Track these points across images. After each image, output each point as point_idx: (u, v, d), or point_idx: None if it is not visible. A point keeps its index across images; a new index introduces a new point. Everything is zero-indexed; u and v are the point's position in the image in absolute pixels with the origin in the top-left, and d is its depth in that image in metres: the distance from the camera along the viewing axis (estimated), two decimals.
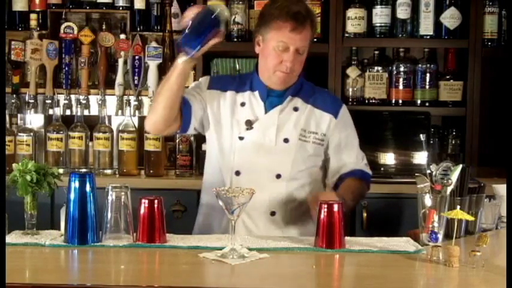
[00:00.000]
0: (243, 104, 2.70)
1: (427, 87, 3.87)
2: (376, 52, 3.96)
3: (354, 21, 3.82)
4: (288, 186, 2.66)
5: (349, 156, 2.76)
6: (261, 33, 2.66)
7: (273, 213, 2.66)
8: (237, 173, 2.65)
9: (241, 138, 2.67)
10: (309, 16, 2.62)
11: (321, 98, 2.76)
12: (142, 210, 2.27)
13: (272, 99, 2.70)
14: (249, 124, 2.66)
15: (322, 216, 2.25)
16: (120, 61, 3.90)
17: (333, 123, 2.72)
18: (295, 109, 2.71)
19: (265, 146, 2.65)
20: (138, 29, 3.97)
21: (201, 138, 3.79)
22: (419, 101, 3.88)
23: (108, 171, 3.77)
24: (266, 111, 2.69)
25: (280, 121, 2.67)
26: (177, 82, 2.53)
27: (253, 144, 2.65)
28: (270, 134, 2.65)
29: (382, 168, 3.78)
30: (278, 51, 2.60)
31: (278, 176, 2.65)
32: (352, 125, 2.80)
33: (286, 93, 2.70)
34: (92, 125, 3.82)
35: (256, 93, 2.70)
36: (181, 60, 2.49)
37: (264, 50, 2.66)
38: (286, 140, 2.67)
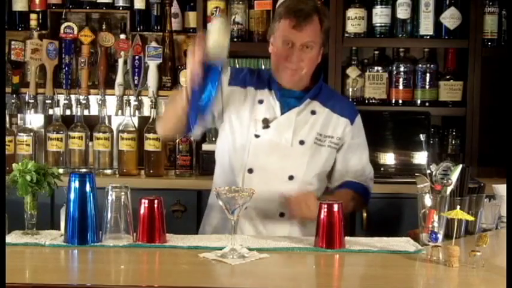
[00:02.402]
0: (261, 102, 2.70)
1: (427, 87, 3.87)
2: (376, 52, 3.96)
3: (354, 21, 3.82)
4: (299, 189, 2.64)
5: (356, 162, 2.76)
6: (272, 32, 2.70)
7: (282, 215, 2.65)
8: (250, 171, 2.64)
9: (257, 136, 2.66)
10: (314, 13, 2.62)
11: (339, 103, 2.78)
12: (142, 210, 2.26)
13: (290, 100, 2.69)
14: (266, 122, 2.65)
15: (322, 216, 2.25)
16: (120, 61, 3.90)
17: (348, 129, 2.73)
18: (313, 112, 2.70)
19: (280, 146, 2.64)
20: (138, 29, 3.97)
21: (201, 138, 3.79)
22: (419, 101, 3.88)
23: (108, 171, 3.78)
24: (283, 112, 2.68)
25: (297, 123, 2.67)
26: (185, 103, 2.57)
27: (268, 143, 2.64)
28: (287, 134, 2.65)
29: (382, 168, 3.78)
30: (285, 47, 2.62)
31: (291, 178, 2.64)
32: (364, 136, 2.81)
33: (305, 96, 2.70)
34: (92, 125, 3.82)
35: (273, 92, 2.70)
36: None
37: (274, 48, 2.69)
38: (302, 142, 2.66)
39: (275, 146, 2.64)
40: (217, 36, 2.44)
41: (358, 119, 2.79)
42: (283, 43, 2.62)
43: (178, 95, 2.61)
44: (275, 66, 2.69)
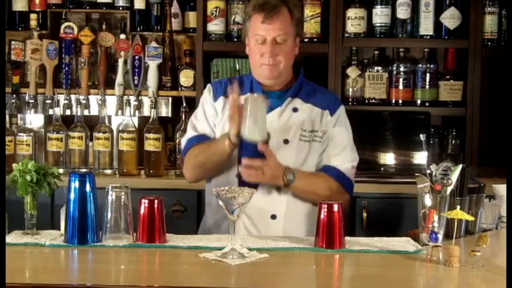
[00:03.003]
0: None
1: (427, 87, 3.87)
2: (376, 52, 3.96)
3: (354, 21, 3.82)
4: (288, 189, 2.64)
5: (337, 151, 2.71)
6: (245, 33, 2.70)
7: (273, 217, 2.65)
8: (239, 176, 2.64)
9: None
10: (282, 4, 2.61)
11: (322, 97, 2.76)
12: (142, 210, 2.27)
13: (272, 101, 2.67)
14: None
15: (322, 216, 2.25)
16: (120, 61, 3.89)
17: (329, 119, 2.72)
18: (295, 110, 2.70)
19: None
20: (138, 29, 3.97)
21: None
22: (419, 101, 3.88)
23: (108, 171, 3.77)
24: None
25: (280, 123, 2.66)
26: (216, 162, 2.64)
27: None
28: (271, 136, 2.63)
29: (382, 168, 3.79)
30: (258, 45, 2.62)
31: None
32: (347, 126, 2.78)
33: (286, 95, 2.70)
34: (92, 125, 3.82)
35: (255, 95, 2.68)
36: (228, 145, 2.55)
37: (249, 48, 2.69)
38: (286, 141, 2.66)
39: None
40: (255, 121, 2.47)
41: (341, 110, 2.76)
42: (255, 41, 2.63)
43: (208, 148, 2.64)
44: (253, 66, 2.70)
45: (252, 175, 2.54)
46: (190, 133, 2.79)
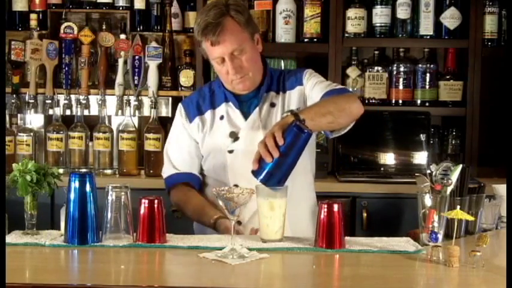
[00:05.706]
0: (222, 118, 2.67)
1: (427, 87, 3.87)
2: (376, 52, 3.96)
3: (354, 21, 3.82)
4: (300, 184, 2.61)
5: (324, 84, 2.64)
6: (205, 55, 2.66)
7: None
8: (236, 186, 2.59)
9: (230, 151, 2.62)
10: (223, 17, 2.54)
11: (289, 79, 2.71)
12: (142, 210, 2.26)
13: (250, 102, 2.67)
14: (234, 135, 2.63)
15: (322, 216, 2.25)
16: (120, 61, 3.90)
17: (302, 90, 2.67)
18: (272, 105, 2.67)
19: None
20: (138, 29, 3.97)
21: None
22: (419, 101, 3.88)
23: (108, 171, 3.78)
24: (247, 116, 2.65)
25: (263, 121, 2.63)
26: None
27: (243, 154, 2.59)
28: (258, 137, 2.53)
29: (382, 168, 3.79)
30: (219, 65, 2.59)
31: None
32: (318, 75, 2.72)
33: (260, 92, 2.66)
34: (92, 125, 3.83)
35: (231, 103, 2.68)
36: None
37: (214, 67, 2.66)
38: None
39: (250, 154, 2.46)
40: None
41: (307, 74, 2.69)
42: (215, 63, 2.60)
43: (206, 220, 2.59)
44: (224, 82, 2.67)
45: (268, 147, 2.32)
46: (169, 167, 2.74)
